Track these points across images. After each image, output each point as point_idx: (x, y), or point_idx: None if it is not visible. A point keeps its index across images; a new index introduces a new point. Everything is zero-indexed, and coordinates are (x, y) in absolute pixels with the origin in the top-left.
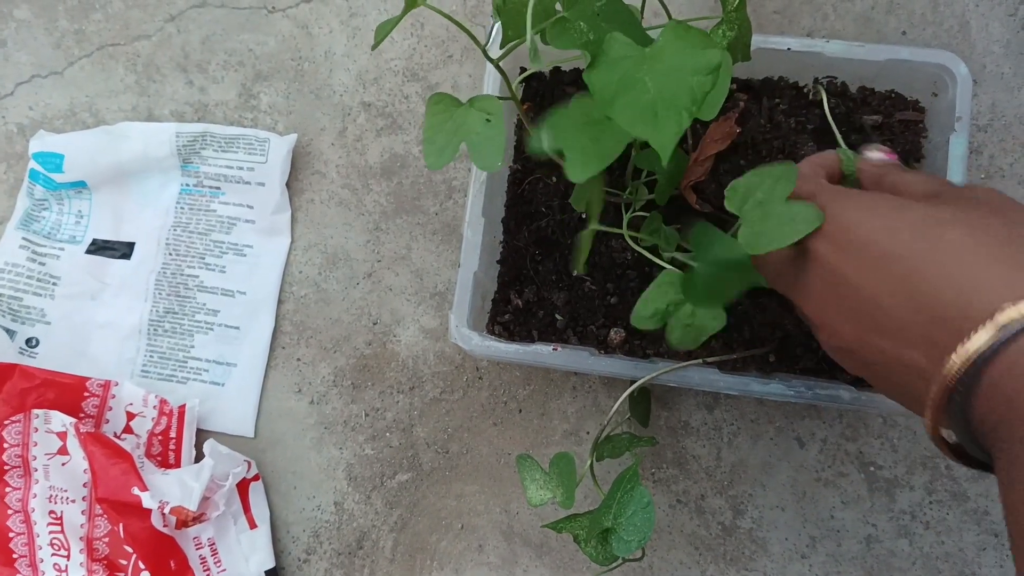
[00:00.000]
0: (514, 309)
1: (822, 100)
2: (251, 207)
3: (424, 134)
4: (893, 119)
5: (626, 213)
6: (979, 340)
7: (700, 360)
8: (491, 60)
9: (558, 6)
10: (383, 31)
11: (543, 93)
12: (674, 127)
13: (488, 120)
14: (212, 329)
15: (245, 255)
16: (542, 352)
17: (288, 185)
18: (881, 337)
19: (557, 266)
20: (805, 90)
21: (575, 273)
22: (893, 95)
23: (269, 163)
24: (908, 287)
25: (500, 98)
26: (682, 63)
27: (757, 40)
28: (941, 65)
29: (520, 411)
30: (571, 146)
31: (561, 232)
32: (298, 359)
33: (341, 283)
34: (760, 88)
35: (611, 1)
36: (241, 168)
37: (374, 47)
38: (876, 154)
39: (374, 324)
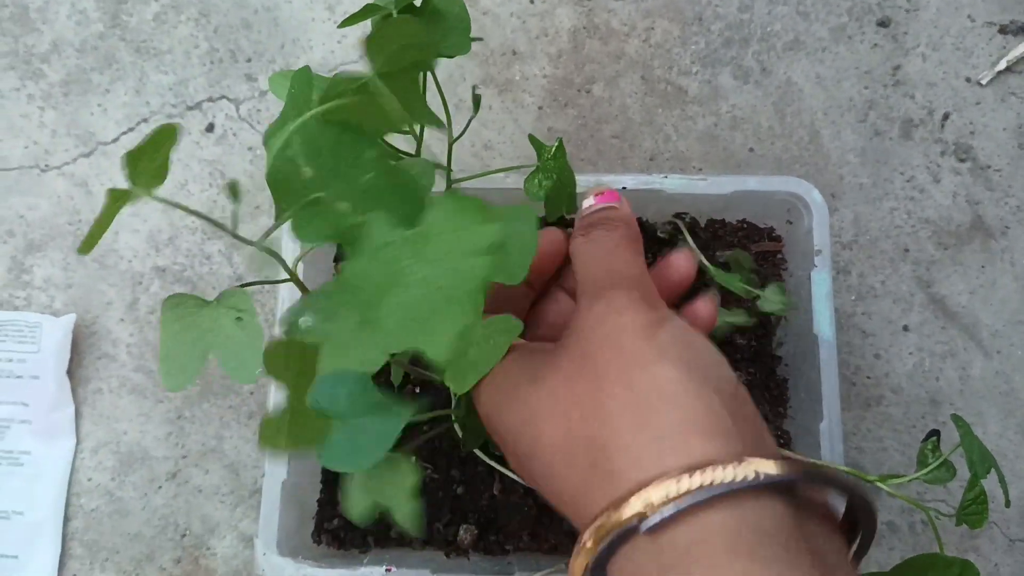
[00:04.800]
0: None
1: (683, 238)
2: (26, 405)
3: (160, 350)
4: (750, 252)
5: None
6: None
7: (564, 563)
8: (255, 245)
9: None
10: (94, 236)
11: None
12: (450, 328)
13: (239, 319)
14: None
15: (22, 464)
16: None
17: (70, 374)
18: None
19: None
20: (650, 225)
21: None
22: (745, 225)
23: (42, 352)
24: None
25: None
26: (454, 244)
27: (589, 180)
28: (792, 193)
29: None
30: (331, 341)
31: None
32: None
33: (140, 489)
34: None
35: (383, 172)
36: (11, 360)
37: (83, 250)
38: (588, 201)
39: (182, 536)
